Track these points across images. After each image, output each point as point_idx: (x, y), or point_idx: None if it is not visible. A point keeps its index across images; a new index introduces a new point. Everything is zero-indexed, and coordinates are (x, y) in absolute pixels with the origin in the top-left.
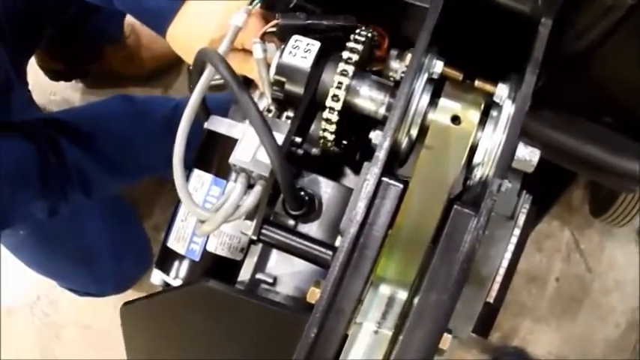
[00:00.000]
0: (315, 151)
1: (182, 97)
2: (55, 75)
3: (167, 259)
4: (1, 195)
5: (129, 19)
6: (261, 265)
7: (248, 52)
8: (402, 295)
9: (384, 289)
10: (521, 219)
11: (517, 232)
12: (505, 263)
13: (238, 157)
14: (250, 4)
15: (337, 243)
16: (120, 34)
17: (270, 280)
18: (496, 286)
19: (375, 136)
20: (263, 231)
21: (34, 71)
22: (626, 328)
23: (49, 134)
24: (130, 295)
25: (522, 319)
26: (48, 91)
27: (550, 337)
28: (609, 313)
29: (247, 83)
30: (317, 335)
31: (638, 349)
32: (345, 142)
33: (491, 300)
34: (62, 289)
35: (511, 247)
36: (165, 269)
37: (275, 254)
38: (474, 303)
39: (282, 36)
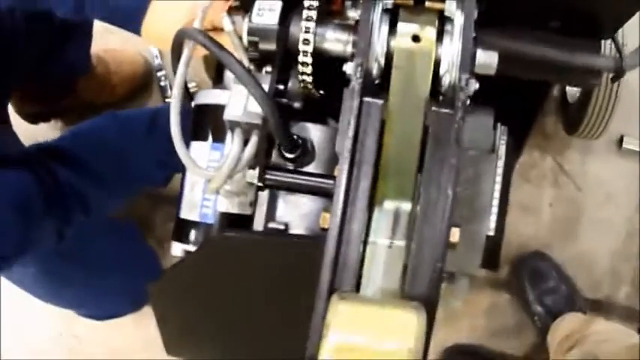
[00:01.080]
0: (297, 105)
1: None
2: (32, 118)
3: (183, 229)
4: (10, 225)
5: (94, 49)
6: (271, 215)
7: (219, 29)
8: (406, 206)
9: (389, 206)
10: (502, 150)
11: (500, 163)
12: (497, 194)
13: (231, 112)
14: None
15: (336, 172)
16: (88, 64)
17: (282, 227)
18: (493, 218)
19: (348, 67)
20: (267, 176)
21: (12, 119)
22: (626, 236)
23: (42, 160)
24: (147, 310)
25: (526, 249)
26: (29, 136)
27: (559, 261)
28: (608, 225)
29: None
30: (336, 254)
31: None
32: (323, 92)
33: (491, 232)
34: (81, 319)
35: (499, 178)
36: (184, 239)
37: (282, 201)
38: (476, 237)
39: (246, 6)
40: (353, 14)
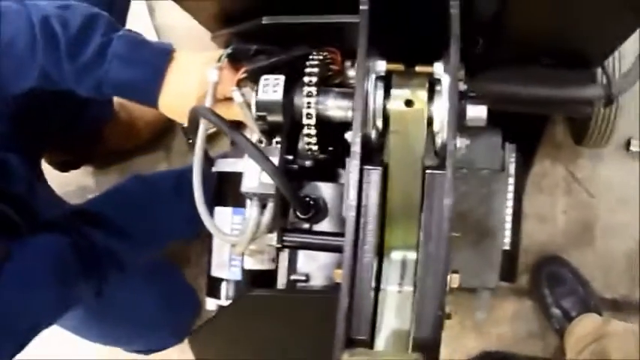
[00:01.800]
0: (308, 163)
1: (183, 165)
2: (63, 166)
3: (214, 286)
4: (50, 289)
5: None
6: (292, 268)
7: (229, 99)
8: (411, 255)
9: (396, 255)
10: (512, 168)
11: (511, 180)
12: (509, 211)
13: (247, 185)
14: (219, 61)
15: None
16: (112, 112)
17: (303, 278)
18: (508, 233)
19: (348, 135)
20: (284, 238)
21: (44, 168)
22: None
23: (75, 225)
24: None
25: (544, 256)
26: (62, 183)
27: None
28: (622, 228)
29: (237, 125)
30: (350, 303)
31: None
32: (330, 148)
33: (508, 247)
34: (127, 354)
35: (510, 195)
36: (216, 295)
37: (301, 256)
38: (492, 254)
39: (253, 78)
40: (352, 74)
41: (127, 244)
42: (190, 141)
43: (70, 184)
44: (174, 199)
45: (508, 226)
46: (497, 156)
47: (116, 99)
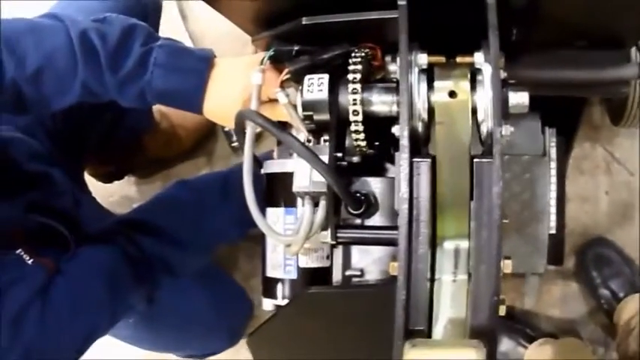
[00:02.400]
0: (355, 159)
1: (227, 168)
2: (106, 178)
3: (270, 286)
4: (104, 298)
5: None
6: (347, 264)
7: (274, 100)
8: (464, 244)
9: (449, 245)
10: (553, 152)
11: (553, 164)
12: (553, 195)
13: (298, 184)
14: (261, 63)
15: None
16: (152, 122)
17: (358, 273)
18: (553, 217)
19: (396, 129)
20: (338, 234)
21: (87, 180)
22: None
23: (125, 233)
24: (243, 342)
25: (589, 237)
26: (105, 194)
27: (621, 245)
28: None
29: (282, 125)
30: (407, 295)
31: None
32: (377, 143)
33: (553, 231)
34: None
35: (553, 180)
36: (272, 295)
37: (355, 251)
38: (539, 239)
39: (296, 78)
40: (394, 68)
41: (176, 250)
42: (233, 144)
43: (114, 194)
44: (220, 203)
45: (553, 210)
46: (538, 141)
47: (156, 108)
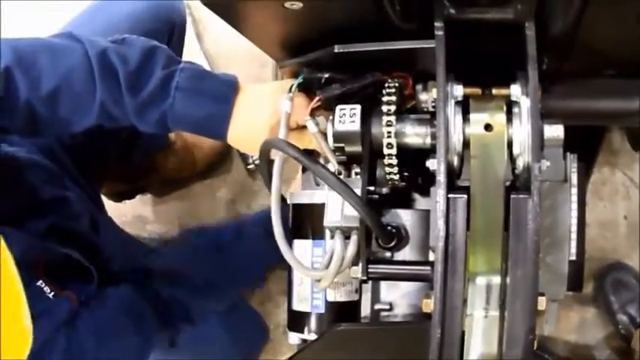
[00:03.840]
0: (385, 190)
1: (244, 215)
2: (118, 197)
3: (297, 319)
4: (129, 336)
5: None
6: (375, 297)
7: (302, 127)
8: (496, 279)
9: (481, 281)
10: (574, 178)
11: (574, 190)
12: (574, 221)
13: (330, 218)
14: (290, 91)
15: (431, 257)
16: (167, 142)
17: (387, 307)
18: (574, 244)
19: (431, 163)
20: (370, 270)
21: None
22: None
23: (142, 281)
24: None
25: (607, 263)
26: (118, 214)
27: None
28: None
29: (310, 154)
30: (441, 334)
31: None
32: (406, 173)
33: (573, 257)
34: None
35: (574, 206)
36: (299, 328)
37: (384, 284)
38: (559, 266)
39: (327, 106)
40: (424, 97)
41: (192, 296)
42: (248, 166)
43: (126, 214)
44: (236, 251)
45: (574, 236)
46: (559, 167)
47: None
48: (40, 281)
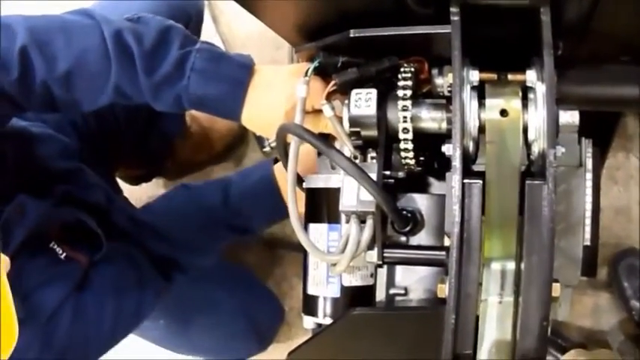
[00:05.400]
0: (401, 174)
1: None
2: (134, 180)
3: (311, 304)
4: (133, 293)
5: None
6: (391, 282)
7: (318, 111)
8: (511, 265)
9: (495, 266)
10: (589, 163)
11: (589, 175)
12: (589, 206)
13: (346, 203)
14: (306, 74)
15: (446, 242)
16: (183, 125)
17: (402, 292)
18: (588, 229)
19: (446, 149)
20: (385, 254)
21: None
22: None
23: (136, 236)
24: (272, 349)
25: (621, 248)
26: (134, 197)
27: None
28: None
29: (325, 138)
30: (456, 320)
31: None
32: (422, 158)
33: (588, 243)
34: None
35: (589, 191)
36: (313, 312)
37: (399, 269)
38: (574, 251)
39: (343, 90)
40: (440, 82)
41: (180, 250)
42: (264, 149)
43: (142, 197)
44: (220, 208)
45: (588, 221)
46: (574, 152)
47: (187, 111)
48: (53, 242)
